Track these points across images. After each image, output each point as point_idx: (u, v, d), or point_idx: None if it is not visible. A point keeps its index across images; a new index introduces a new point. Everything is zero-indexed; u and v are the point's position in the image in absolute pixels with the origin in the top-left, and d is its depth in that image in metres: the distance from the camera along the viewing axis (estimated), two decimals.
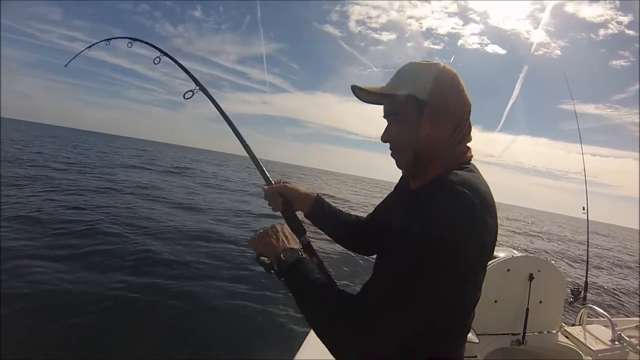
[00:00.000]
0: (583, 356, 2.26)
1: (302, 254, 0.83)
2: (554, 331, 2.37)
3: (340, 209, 1.17)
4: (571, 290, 2.60)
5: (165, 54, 1.46)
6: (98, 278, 4.02)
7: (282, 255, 0.81)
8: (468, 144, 0.84)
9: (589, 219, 2.96)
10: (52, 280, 3.76)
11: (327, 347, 0.67)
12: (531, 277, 2.26)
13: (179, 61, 1.42)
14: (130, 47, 1.62)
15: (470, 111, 0.82)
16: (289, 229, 0.94)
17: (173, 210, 8.71)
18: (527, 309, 2.22)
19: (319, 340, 0.69)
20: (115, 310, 3.39)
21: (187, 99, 1.32)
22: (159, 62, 1.46)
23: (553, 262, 2.43)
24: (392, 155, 0.86)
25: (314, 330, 0.72)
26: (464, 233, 0.64)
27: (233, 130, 1.23)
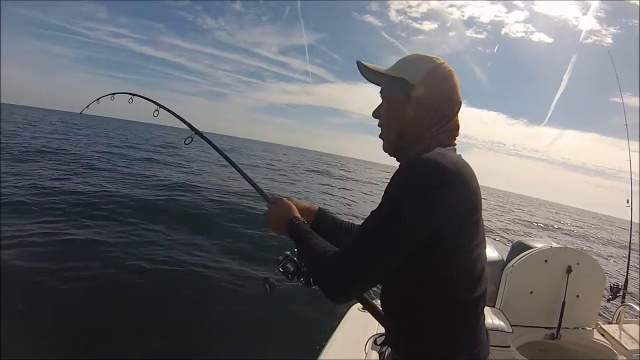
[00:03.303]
0: (618, 356, 2.16)
1: (301, 220, 0.99)
2: (590, 328, 2.27)
3: (343, 219, 1.19)
4: (610, 287, 2.48)
5: (163, 107, 1.62)
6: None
7: (289, 221, 0.99)
8: (453, 138, 0.88)
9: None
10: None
11: (318, 285, 0.80)
12: (569, 270, 2.16)
13: (176, 113, 1.60)
14: (131, 102, 1.80)
15: (458, 110, 0.88)
16: (294, 200, 1.11)
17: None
18: (564, 303, 2.12)
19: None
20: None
21: (187, 144, 1.47)
22: (157, 115, 1.61)
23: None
24: (380, 136, 0.94)
25: (312, 272, 0.93)
26: (423, 188, 0.71)
27: (231, 164, 1.39)
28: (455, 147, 0.87)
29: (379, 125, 0.94)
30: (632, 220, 2.75)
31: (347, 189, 16.76)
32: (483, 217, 0.85)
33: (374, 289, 0.88)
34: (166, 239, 5.02)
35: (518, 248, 2.30)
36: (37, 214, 5.29)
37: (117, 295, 3.46)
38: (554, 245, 2.24)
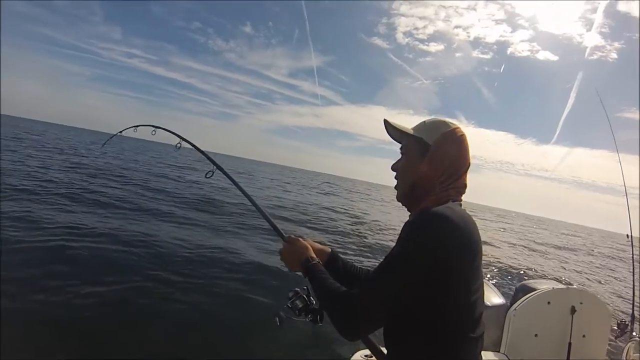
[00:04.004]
0: None
1: (317, 261, 1.08)
2: None
3: (353, 263, 1.26)
4: (617, 323, 2.49)
5: (185, 140, 1.66)
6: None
7: (306, 260, 1.08)
8: (460, 195, 0.99)
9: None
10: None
11: (333, 322, 0.87)
12: (573, 310, 2.18)
13: (198, 147, 1.64)
14: (154, 134, 1.83)
15: (466, 170, 1.00)
16: (309, 241, 1.20)
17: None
18: (570, 344, 2.15)
19: None
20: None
21: (208, 177, 1.52)
22: (180, 147, 1.65)
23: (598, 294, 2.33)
24: (395, 187, 1.06)
25: (327, 309, 0.95)
26: (434, 236, 0.83)
27: (250, 200, 1.46)
28: (461, 202, 0.99)
29: (395, 178, 1.06)
30: (633, 254, 2.77)
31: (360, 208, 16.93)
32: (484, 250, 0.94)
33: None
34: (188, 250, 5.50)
35: (522, 291, 2.34)
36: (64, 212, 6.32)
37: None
38: (557, 286, 2.28)
